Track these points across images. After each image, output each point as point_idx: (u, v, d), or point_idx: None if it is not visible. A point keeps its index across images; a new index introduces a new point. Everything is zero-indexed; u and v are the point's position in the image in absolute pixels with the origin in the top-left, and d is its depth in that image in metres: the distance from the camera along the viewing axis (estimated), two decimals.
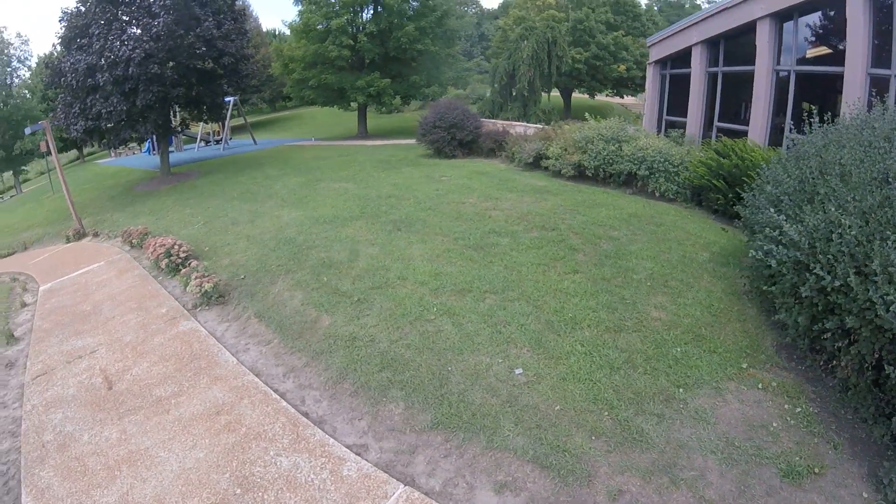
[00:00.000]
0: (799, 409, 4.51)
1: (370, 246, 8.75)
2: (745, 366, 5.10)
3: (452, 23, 25.76)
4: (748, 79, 13.05)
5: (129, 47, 15.21)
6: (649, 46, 17.54)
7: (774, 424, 4.36)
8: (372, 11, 24.55)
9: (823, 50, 11.53)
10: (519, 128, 18.99)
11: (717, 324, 5.82)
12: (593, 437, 4.28)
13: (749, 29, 12.80)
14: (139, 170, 23.84)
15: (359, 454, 4.35)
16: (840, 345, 4.33)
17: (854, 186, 4.57)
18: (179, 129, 21.24)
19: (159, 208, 14.44)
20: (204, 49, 16.74)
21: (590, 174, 13.06)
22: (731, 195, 9.55)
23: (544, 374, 5.06)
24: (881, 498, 3.67)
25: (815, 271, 4.27)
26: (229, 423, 4.85)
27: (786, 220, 4.74)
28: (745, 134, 12.48)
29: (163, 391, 5.52)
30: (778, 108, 12.29)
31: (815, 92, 11.78)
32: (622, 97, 37.56)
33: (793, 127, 11.26)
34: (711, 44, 14.45)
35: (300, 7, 25.04)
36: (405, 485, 4.00)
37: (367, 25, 24.58)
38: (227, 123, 26.55)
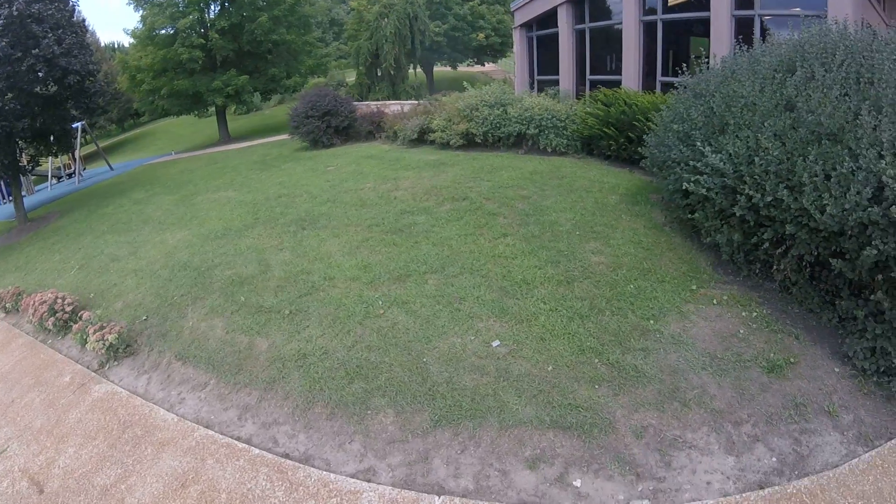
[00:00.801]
0: (755, 314, 4.96)
1: (278, 252, 8.01)
2: (694, 287, 5.47)
3: (306, 9, 24.44)
4: (616, 32, 13.71)
5: None
6: (514, 11, 17.82)
7: (741, 331, 4.77)
8: (219, 7, 22.54)
9: None
10: (394, 107, 18.68)
11: (653, 256, 6.16)
12: (596, 386, 4.36)
13: None
14: None
15: (369, 480, 3.89)
16: (778, 251, 4.77)
17: (763, 114, 4.96)
18: (30, 167, 18.24)
19: (25, 261, 12.33)
20: (45, 70, 14.35)
21: (479, 141, 13.13)
22: (622, 140, 10.17)
23: (522, 339, 5.00)
24: (850, 368, 4.24)
25: (745, 192, 4.69)
26: (203, 494, 4.07)
27: (711, 151, 5.08)
28: (618, 84, 13.05)
29: (105, 478, 4.56)
30: (648, 56, 12.99)
31: (683, 37, 12.66)
32: (483, 65, 38.26)
33: (663, 72, 12.41)
34: (577, 2, 14.96)
35: (141, 12, 22.39)
36: (439, 495, 3.64)
37: (217, 21, 22.56)
38: (77, 153, 23.39)
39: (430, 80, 34.38)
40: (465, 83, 15.88)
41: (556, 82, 15.97)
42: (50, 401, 6.06)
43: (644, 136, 8.03)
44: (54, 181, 24.31)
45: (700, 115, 5.83)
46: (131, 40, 23.66)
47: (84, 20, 16.70)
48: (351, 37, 32.11)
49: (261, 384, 5.19)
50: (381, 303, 5.95)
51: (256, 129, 29.84)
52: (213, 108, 25.52)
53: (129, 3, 22.94)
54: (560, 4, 15.24)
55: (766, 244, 4.79)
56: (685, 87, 6.99)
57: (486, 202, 8.81)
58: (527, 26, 17.47)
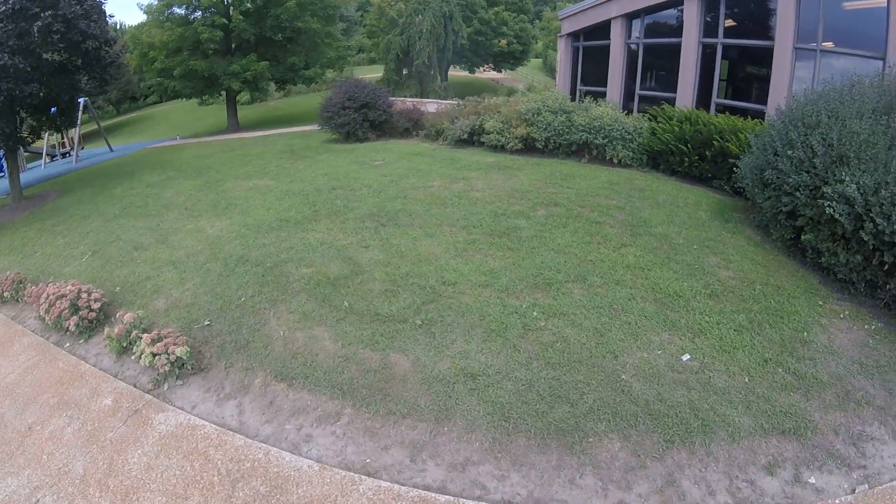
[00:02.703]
0: (873, 327, 5.33)
1: (363, 250, 7.01)
2: (820, 304, 5.68)
3: None
4: (670, 50, 13.64)
5: None
6: (562, 19, 17.61)
7: (870, 341, 5.11)
8: None
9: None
10: (431, 105, 17.79)
11: (772, 273, 6.27)
12: (791, 393, 4.46)
13: (671, 4, 13.39)
14: None
15: None
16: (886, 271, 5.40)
17: (878, 150, 5.66)
18: (30, 139, 16.42)
19: (21, 243, 10.72)
20: (63, 31, 12.72)
21: (539, 146, 12.48)
22: (695, 158, 10.00)
23: (706, 352, 4.90)
24: None
25: (873, 219, 5.25)
26: None
27: (849, 182, 5.53)
28: (670, 101, 12.90)
29: None
30: (704, 78, 12.93)
31: (740, 63, 12.91)
32: (500, 72, 37.60)
33: (719, 95, 12.57)
34: (631, 17, 14.76)
35: None
36: None
37: (241, 1, 21.14)
38: (77, 130, 21.56)
39: (425, 86, 33.61)
40: (520, 86, 14.92)
41: (601, 94, 15.60)
42: (90, 433, 4.59)
43: (719, 156, 8.91)
44: (48, 160, 22.44)
45: (822, 147, 6.17)
46: (143, 17, 22.12)
47: None
48: (370, 32, 30.97)
49: (426, 413, 4.26)
50: (535, 313, 5.34)
51: (265, 119, 28.52)
52: (224, 95, 24.03)
53: None
54: (614, 18, 15.03)
55: (887, 266, 5.33)
56: (781, 115, 7.45)
57: (581, 209, 8.28)
58: (574, 36, 17.20)
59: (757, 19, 12.34)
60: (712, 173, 9.72)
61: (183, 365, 5.00)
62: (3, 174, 17.56)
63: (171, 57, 21.20)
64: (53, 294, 6.76)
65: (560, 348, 4.85)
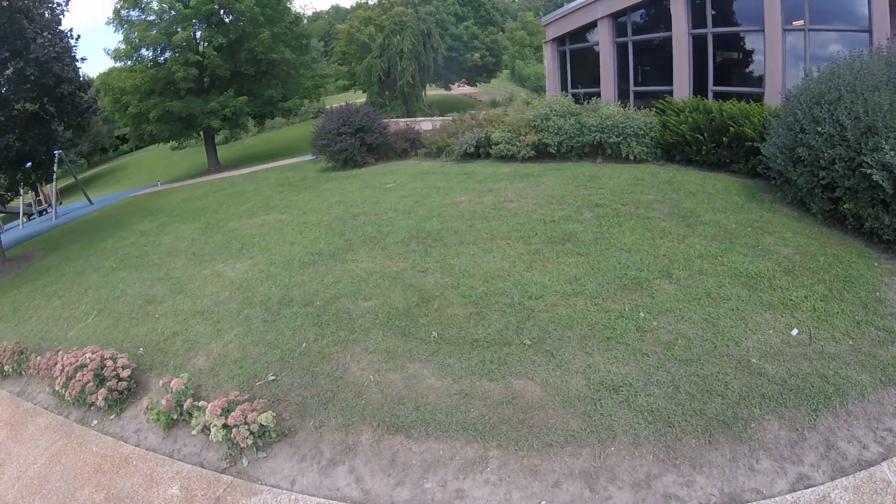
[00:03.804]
0: None
1: (423, 274, 6.55)
2: (876, 265, 5.88)
3: (304, 28, 22.70)
4: (661, 44, 13.88)
5: None
6: (545, 25, 17.64)
7: None
8: (215, 23, 20.33)
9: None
10: (425, 124, 17.44)
11: (825, 244, 6.39)
12: (890, 346, 4.53)
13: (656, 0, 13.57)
14: None
15: None
16: None
17: None
18: (9, 196, 15.31)
19: (12, 308, 9.71)
20: (36, 76, 11.81)
21: (552, 151, 12.32)
22: (712, 145, 10.09)
23: (808, 325, 4.91)
24: None
25: None
26: None
27: (888, 150, 5.83)
28: (666, 94, 12.97)
29: None
30: (698, 67, 13.08)
31: (732, 49, 13.24)
32: (475, 86, 37.54)
33: (715, 82, 12.78)
34: (618, 16, 14.81)
35: (123, 31, 19.97)
36: None
37: (213, 37, 20.40)
38: (54, 186, 20.39)
39: (410, 105, 33.37)
40: (524, 94, 14.65)
41: (594, 95, 15.55)
42: None
43: (735, 141, 9.36)
44: (25, 219, 21.20)
45: (851, 120, 6.36)
46: (108, 65, 21.25)
47: (70, 28, 14.27)
48: (340, 59, 30.61)
49: (585, 437, 3.90)
50: (641, 314, 5.16)
51: (244, 157, 27.76)
52: (202, 135, 23.20)
53: (110, 23, 20.66)
54: (601, 18, 15.05)
55: None
56: (798, 94, 7.67)
57: (625, 207, 8.11)
58: (559, 40, 17.18)
59: (744, 6, 12.48)
60: (730, 158, 9.78)
61: (264, 433, 4.21)
62: None
63: (144, 100, 20.37)
64: (70, 364, 5.89)
65: (683, 345, 4.71)
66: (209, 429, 4.22)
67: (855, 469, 3.51)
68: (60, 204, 22.51)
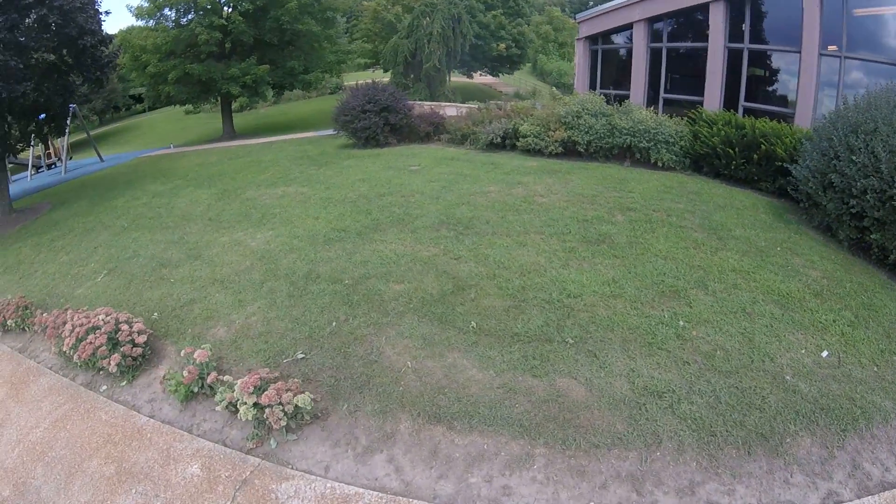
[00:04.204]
0: None
1: (456, 262, 6.40)
2: None
3: (332, 1, 22.22)
4: (695, 54, 13.86)
5: None
6: (579, 22, 17.47)
7: None
8: None
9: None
10: (450, 109, 17.14)
11: (851, 271, 6.44)
12: None
13: (695, 9, 13.47)
14: None
15: None
16: None
17: None
18: (21, 146, 14.93)
19: (17, 261, 9.46)
20: (59, 24, 11.43)
21: (581, 150, 12.17)
22: (741, 161, 10.07)
23: (835, 347, 4.96)
24: None
25: None
26: None
27: None
28: (696, 104, 12.92)
29: None
30: (731, 81, 13.01)
31: (766, 66, 13.09)
32: (497, 76, 37.08)
33: (747, 98, 12.75)
34: (654, 21, 14.70)
35: None
36: None
37: (239, 2, 19.95)
38: (66, 140, 19.98)
39: (433, 89, 32.91)
40: (553, 89, 14.40)
41: (623, 97, 15.49)
42: None
43: (764, 159, 9.33)
44: (33, 171, 20.85)
45: (883, 152, 6.44)
46: (134, 21, 20.82)
47: None
48: (365, 37, 30.11)
49: (632, 440, 3.90)
50: (681, 322, 5.15)
51: (260, 127, 27.37)
52: (218, 101, 22.81)
53: None
54: (637, 21, 14.91)
55: None
56: (833, 122, 7.69)
57: (656, 213, 8.06)
58: (591, 39, 17.06)
59: (782, 26, 12.37)
60: (758, 176, 9.72)
61: (297, 415, 3.97)
62: None
63: (164, 61, 19.95)
64: (81, 325, 5.60)
65: (722, 356, 4.74)
66: (236, 406, 4.01)
67: (879, 489, 3.61)
68: (70, 159, 22.11)
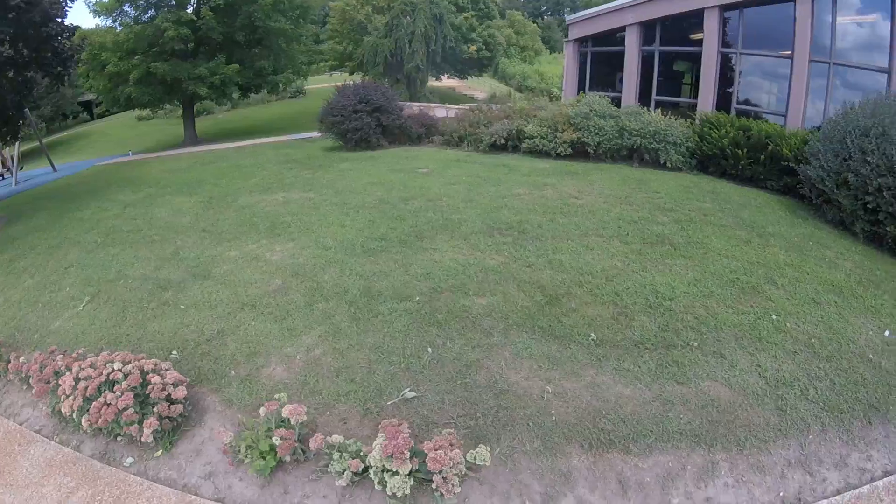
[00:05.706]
0: None
1: (530, 269, 6.09)
2: None
3: None
4: (688, 57, 14.21)
5: None
6: (568, 25, 17.49)
7: None
8: None
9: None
10: (439, 110, 16.52)
11: (874, 261, 6.76)
12: None
13: (689, 14, 13.65)
14: None
15: None
16: None
17: None
18: None
19: None
20: (23, 8, 10.08)
21: (590, 151, 12.12)
22: (749, 161, 10.35)
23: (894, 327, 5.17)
24: None
25: None
26: None
27: None
28: (689, 106, 13.31)
29: None
30: (724, 84, 13.34)
31: (757, 70, 13.55)
32: (464, 79, 36.63)
33: (738, 100, 13.20)
34: (647, 25, 14.80)
35: None
36: None
37: None
38: (17, 147, 18.03)
39: (414, 90, 32.21)
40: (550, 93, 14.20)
41: (612, 99, 15.37)
42: None
43: (770, 159, 9.67)
44: None
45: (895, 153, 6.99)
46: (93, 18, 19.18)
47: None
48: (333, 37, 29.14)
49: (786, 430, 4.09)
50: (773, 317, 5.31)
51: (222, 132, 25.95)
52: (180, 105, 21.38)
53: None
54: (629, 25, 14.99)
55: None
56: (840, 125, 8.14)
57: (693, 213, 8.19)
58: (581, 41, 17.06)
59: (775, 32, 12.76)
60: (764, 175, 10.02)
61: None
62: None
63: (125, 59, 18.38)
64: (90, 378, 4.32)
65: (818, 344, 4.96)
66: (364, 474, 3.09)
67: None
68: (21, 169, 20.06)
